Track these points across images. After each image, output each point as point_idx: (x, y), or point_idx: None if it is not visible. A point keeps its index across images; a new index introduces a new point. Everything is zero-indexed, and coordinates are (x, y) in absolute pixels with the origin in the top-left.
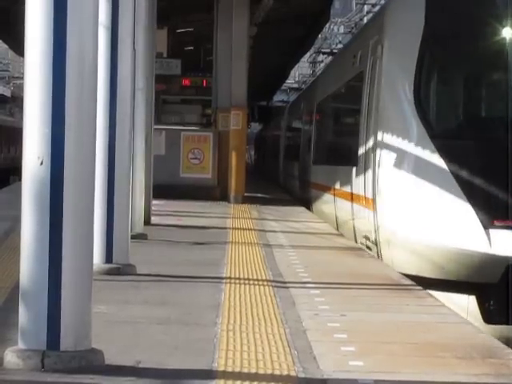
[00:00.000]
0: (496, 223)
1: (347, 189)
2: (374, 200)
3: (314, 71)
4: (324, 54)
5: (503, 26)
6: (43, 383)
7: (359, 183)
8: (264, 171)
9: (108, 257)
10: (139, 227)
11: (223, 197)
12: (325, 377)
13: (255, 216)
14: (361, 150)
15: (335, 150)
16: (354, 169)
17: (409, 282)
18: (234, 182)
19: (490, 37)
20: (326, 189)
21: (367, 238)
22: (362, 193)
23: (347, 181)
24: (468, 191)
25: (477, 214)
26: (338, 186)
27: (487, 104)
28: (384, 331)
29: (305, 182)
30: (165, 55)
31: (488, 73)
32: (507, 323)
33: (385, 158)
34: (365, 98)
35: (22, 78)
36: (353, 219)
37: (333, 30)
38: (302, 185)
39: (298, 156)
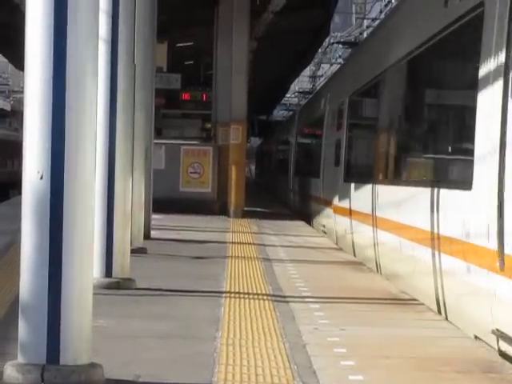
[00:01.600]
0: None
1: (447, 232)
2: None
3: (313, 85)
4: (345, 44)
5: None
6: None
7: (484, 225)
8: (268, 188)
9: (108, 271)
10: (139, 241)
11: (223, 211)
12: None
13: (255, 230)
14: (486, 163)
15: (400, 161)
16: (466, 195)
17: (408, 296)
18: (233, 197)
19: None
20: (381, 223)
21: (504, 336)
22: (491, 245)
23: (448, 216)
24: None
25: None
26: (413, 222)
27: None
28: (384, 345)
29: (330, 206)
30: (165, 69)
31: None
32: None
33: None
34: (492, 59)
35: (22, 92)
36: (463, 288)
37: (333, 44)
38: (325, 211)
39: (318, 171)
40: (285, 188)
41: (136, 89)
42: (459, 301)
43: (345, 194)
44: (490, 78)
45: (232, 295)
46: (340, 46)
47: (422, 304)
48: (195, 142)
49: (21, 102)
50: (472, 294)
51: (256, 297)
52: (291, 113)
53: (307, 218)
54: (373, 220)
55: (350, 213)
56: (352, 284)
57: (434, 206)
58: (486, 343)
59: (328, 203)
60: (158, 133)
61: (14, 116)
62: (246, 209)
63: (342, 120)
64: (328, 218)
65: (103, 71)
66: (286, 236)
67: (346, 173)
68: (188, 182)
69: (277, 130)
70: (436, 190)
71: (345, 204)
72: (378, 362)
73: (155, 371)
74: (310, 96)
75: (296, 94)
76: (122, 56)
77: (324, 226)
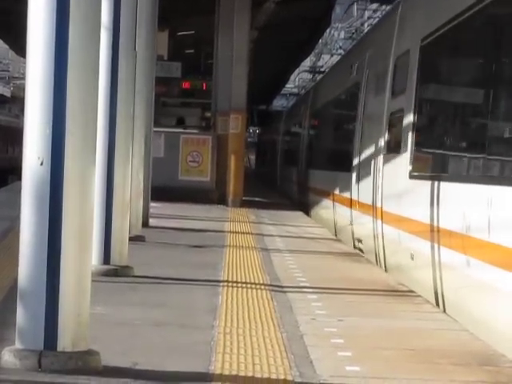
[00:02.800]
0: None
1: None
2: None
3: (314, 76)
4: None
5: None
6: (40, 383)
7: None
8: (270, 182)
9: (106, 258)
10: (137, 229)
11: (221, 200)
12: (321, 382)
13: (253, 220)
14: None
15: None
16: None
17: (406, 288)
18: (232, 186)
19: None
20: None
21: None
22: None
23: None
24: None
25: None
26: None
27: None
28: (381, 337)
29: (376, 215)
30: (165, 58)
31: None
32: None
33: None
34: None
35: (22, 79)
36: None
37: (333, 35)
38: (365, 220)
39: (350, 162)
40: (292, 183)
41: (136, 76)
42: None
43: (417, 199)
44: None
45: (230, 284)
46: (340, 36)
47: (420, 296)
48: (194, 131)
49: (21, 88)
50: None
51: (254, 286)
52: (298, 97)
53: (324, 224)
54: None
55: (429, 230)
56: (350, 275)
57: None
58: None
59: (373, 210)
60: (181, 122)
61: (14, 102)
62: (244, 198)
63: (403, 81)
64: (374, 234)
65: (104, 58)
66: (284, 226)
67: (419, 163)
68: (187, 170)
69: (282, 116)
70: None
71: (419, 216)
72: (375, 354)
73: (152, 359)
74: (327, 70)
75: (295, 86)
76: (123, 43)
77: (361, 242)
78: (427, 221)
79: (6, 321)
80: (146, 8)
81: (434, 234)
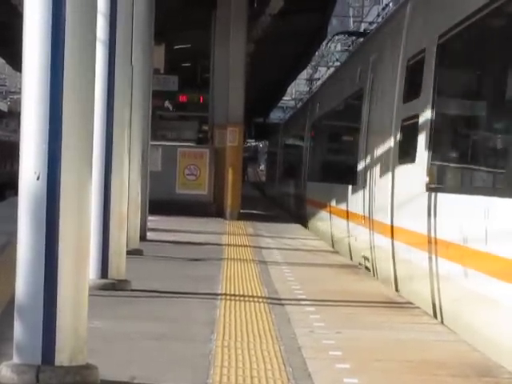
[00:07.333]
0: None
1: None
2: None
3: (310, 88)
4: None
5: None
6: None
7: None
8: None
9: (103, 272)
10: (135, 243)
11: (219, 213)
12: None
13: (251, 232)
14: None
15: None
16: None
17: (404, 299)
18: (229, 199)
19: None
20: None
21: None
22: None
23: None
24: None
25: None
26: None
27: None
28: (379, 349)
29: None
30: (162, 71)
31: None
32: None
33: None
34: None
35: (19, 93)
36: None
37: (330, 47)
38: None
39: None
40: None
41: (133, 90)
42: None
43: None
44: None
45: (228, 297)
46: (337, 49)
47: (418, 308)
48: (192, 144)
49: (18, 102)
50: None
51: (252, 299)
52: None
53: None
54: None
55: None
56: (348, 287)
57: None
58: None
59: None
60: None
61: (11, 117)
62: (241, 211)
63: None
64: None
65: (100, 72)
66: (281, 238)
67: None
68: (184, 183)
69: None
70: None
71: None
72: (373, 365)
73: (150, 373)
74: None
75: (292, 98)
76: (120, 57)
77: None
78: None
79: (3, 335)
80: (142, 22)
81: None
